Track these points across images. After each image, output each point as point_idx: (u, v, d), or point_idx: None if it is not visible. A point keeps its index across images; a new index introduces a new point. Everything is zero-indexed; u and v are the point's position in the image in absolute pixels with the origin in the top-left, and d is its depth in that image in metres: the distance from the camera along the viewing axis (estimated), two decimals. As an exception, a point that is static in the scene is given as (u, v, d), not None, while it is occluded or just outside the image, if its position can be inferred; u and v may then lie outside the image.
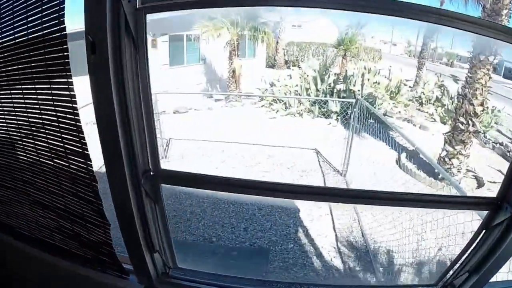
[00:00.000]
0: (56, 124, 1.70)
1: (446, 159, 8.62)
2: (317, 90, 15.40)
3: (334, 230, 6.25)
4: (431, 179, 7.98)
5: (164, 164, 8.34)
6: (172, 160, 9.81)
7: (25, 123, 1.90)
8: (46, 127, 1.77)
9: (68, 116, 1.63)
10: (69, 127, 1.65)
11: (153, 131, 1.59)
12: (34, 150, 1.94)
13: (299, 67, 18.40)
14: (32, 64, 1.68)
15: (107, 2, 1.28)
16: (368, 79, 16.59)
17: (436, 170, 7.06)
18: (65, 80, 1.53)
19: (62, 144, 1.75)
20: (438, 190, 5.94)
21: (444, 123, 13.69)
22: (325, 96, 14.80)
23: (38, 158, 1.95)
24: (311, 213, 6.79)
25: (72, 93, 1.53)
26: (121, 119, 1.45)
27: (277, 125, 12.95)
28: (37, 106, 1.75)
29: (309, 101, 14.22)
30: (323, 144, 10.45)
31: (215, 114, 14.75)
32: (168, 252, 2.02)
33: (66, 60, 1.49)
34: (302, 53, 27.66)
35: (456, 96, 12.60)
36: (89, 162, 1.70)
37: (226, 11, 16.67)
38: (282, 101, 14.69)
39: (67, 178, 1.84)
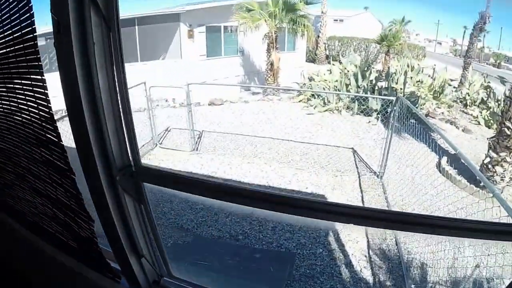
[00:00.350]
0: (37, 111, 1.60)
1: (490, 166, 8.09)
2: (358, 86, 14.99)
3: (367, 236, 5.94)
4: (471, 186, 7.52)
5: (194, 157, 8.34)
6: (203, 152, 9.73)
7: (16, 109, 1.80)
8: (32, 115, 1.66)
9: (42, 103, 1.50)
10: (45, 114, 1.54)
11: (130, 123, 1.45)
12: (24, 137, 1.85)
13: (340, 62, 17.97)
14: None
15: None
16: (411, 77, 16.08)
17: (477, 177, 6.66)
18: (38, 70, 1.41)
19: (43, 133, 1.64)
20: (480, 200, 5.54)
21: (489, 127, 13.03)
22: (366, 93, 14.34)
23: (29, 146, 1.86)
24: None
25: (43, 78, 1.39)
26: (89, 107, 1.30)
27: (314, 121, 12.68)
28: (22, 97, 1.67)
29: (349, 97, 13.82)
30: (361, 143, 10.19)
31: (251, 108, 14.62)
32: (161, 258, 1.92)
33: (38, 56, 1.37)
34: (343, 48, 27.29)
35: (503, 99, 11.98)
36: (65, 154, 1.57)
37: (264, 3, 16.59)
38: (321, 96, 14.35)
39: (52, 167, 1.74)
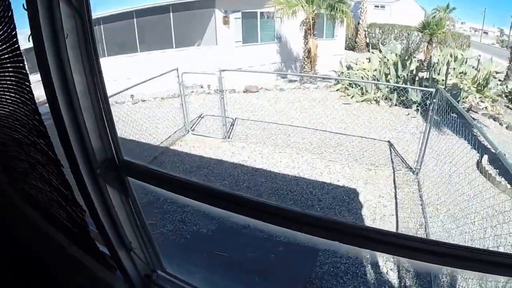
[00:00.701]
0: (30, 103, 1.60)
1: (533, 168, 7.62)
2: (397, 76, 14.57)
3: (396, 236, 5.72)
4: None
5: (225, 144, 8.32)
6: (235, 140, 9.74)
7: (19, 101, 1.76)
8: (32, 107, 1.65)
9: (30, 96, 1.53)
10: (33, 106, 1.57)
11: (109, 116, 1.44)
12: (29, 128, 1.82)
13: (380, 51, 17.53)
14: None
15: None
16: (454, 68, 15.53)
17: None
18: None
19: (37, 124, 1.65)
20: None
21: (536, 125, 12.45)
22: (405, 84, 13.92)
23: (33, 136, 1.83)
24: (375, 212, 6.37)
25: (26, 72, 1.43)
26: (65, 100, 1.31)
27: (350, 111, 12.45)
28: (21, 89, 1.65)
29: (388, 87, 13.44)
30: (398, 136, 9.95)
31: (286, 95, 14.49)
32: (153, 253, 1.91)
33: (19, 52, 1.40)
34: (384, 35, 26.73)
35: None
36: (51, 145, 1.61)
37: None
38: (359, 86, 14.03)
39: (49, 157, 1.75)
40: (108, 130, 1.45)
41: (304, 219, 1.19)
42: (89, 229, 1.80)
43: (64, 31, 1.20)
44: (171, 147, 9.51)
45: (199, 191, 1.41)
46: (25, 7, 1.18)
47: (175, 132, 10.21)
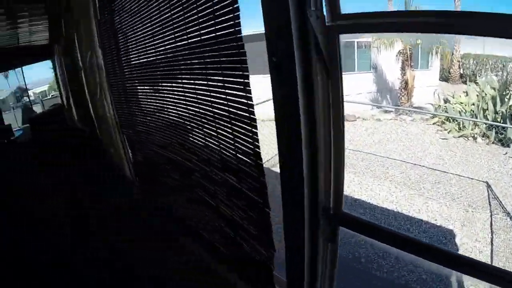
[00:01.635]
0: (227, 116, 1.72)
1: None
2: (496, 112, 13.85)
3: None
4: None
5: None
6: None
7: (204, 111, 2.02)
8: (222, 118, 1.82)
9: (240, 112, 1.57)
10: (242, 122, 1.62)
11: (341, 167, 1.39)
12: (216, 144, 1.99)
13: (476, 83, 16.82)
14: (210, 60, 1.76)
15: (291, 15, 1.15)
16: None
17: None
18: (241, 73, 1.48)
19: (233, 137, 1.74)
20: None
21: None
22: (504, 120, 13.26)
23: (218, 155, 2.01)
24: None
25: (247, 88, 1.46)
26: (308, 152, 1.31)
27: (448, 147, 11.94)
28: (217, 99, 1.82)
29: (486, 124, 12.90)
30: (496, 177, 9.20)
31: (383, 127, 14.35)
32: None
33: (243, 58, 1.44)
34: (478, 66, 25.56)
35: None
36: (259, 162, 1.65)
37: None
38: (456, 120, 13.64)
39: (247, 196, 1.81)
40: (336, 179, 1.40)
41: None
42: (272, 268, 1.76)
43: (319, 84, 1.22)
44: (272, 169, 9.41)
45: (407, 244, 1.43)
46: (274, 60, 1.21)
47: (276, 154, 10.22)
